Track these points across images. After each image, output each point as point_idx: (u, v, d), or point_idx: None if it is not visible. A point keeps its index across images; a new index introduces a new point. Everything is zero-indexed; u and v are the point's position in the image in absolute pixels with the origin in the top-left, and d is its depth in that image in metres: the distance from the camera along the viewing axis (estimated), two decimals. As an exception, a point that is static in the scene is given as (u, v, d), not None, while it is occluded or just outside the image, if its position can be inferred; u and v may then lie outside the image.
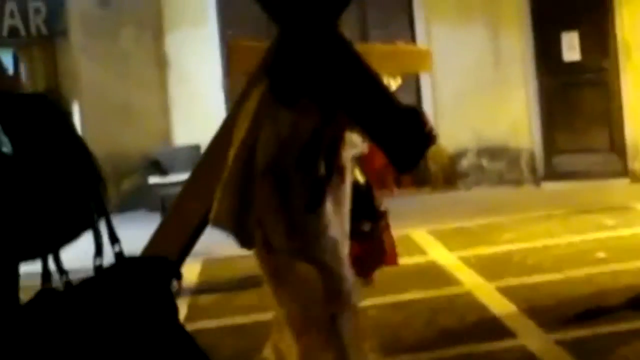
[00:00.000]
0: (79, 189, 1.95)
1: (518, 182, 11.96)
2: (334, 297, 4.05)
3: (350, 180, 4.19)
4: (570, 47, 11.77)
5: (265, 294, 4.36)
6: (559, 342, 5.39)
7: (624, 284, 6.55)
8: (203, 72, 12.94)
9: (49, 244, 1.99)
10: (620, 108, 11.60)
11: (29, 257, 1.97)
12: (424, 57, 6.62)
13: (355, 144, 4.39)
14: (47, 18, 12.38)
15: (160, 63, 13.01)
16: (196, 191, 4.41)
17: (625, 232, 8.50)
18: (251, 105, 3.99)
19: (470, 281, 7.10)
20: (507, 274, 7.21)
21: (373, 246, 5.97)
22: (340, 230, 4.13)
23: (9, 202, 1.85)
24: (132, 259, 2.21)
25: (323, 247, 4.00)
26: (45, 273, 1.98)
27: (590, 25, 11.70)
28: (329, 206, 4.00)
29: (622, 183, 11.39)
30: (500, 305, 6.31)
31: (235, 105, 4.49)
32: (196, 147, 12.78)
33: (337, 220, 4.10)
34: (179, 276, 2.15)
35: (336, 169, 4.02)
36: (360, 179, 5.60)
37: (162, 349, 2.10)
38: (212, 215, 3.99)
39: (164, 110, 12.92)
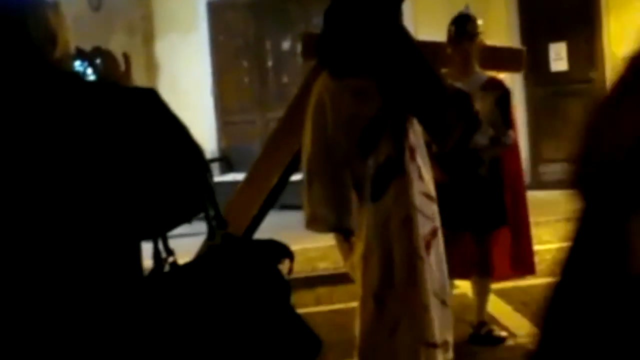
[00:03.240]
0: (189, 177, 2.06)
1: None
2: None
3: (422, 162, 4.12)
4: (558, 58, 11.97)
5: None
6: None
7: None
8: (193, 77, 12.93)
9: (163, 226, 2.12)
10: (606, 118, 11.77)
11: (146, 236, 2.09)
12: (516, 57, 6.24)
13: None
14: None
15: (150, 68, 13.03)
16: (267, 167, 4.81)
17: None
18: (312, 99, 4.12)
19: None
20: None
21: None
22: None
23: (130, 185, 1.98)
24: (241, 241, 2.31)
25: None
26: (157, 252, 2.10)
27: (578, 36, 11.89)
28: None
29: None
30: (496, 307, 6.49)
31: (298, 95, 4.77)
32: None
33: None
34: (291, 256, 2.23)
35: (406, 150, 4.00)
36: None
37: (272, 330, 2.15)
38: (308, 217, 4.10)
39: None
